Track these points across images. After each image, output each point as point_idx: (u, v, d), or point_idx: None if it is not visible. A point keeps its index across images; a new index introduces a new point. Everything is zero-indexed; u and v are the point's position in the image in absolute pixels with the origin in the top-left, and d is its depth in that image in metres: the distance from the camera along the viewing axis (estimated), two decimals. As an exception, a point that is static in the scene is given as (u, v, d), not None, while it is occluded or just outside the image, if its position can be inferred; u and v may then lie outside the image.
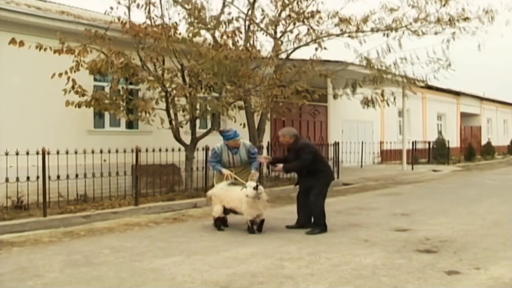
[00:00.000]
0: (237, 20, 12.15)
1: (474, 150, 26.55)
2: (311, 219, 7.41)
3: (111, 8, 10.80)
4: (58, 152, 8.74)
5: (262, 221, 7.22)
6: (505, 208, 9.71)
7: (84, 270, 5.31)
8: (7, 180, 8.43)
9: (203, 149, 10.89)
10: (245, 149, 7.77)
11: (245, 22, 12.57)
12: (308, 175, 7.44)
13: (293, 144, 7.51)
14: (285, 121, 16.89)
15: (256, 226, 7.16)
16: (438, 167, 20.53)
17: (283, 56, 13.14)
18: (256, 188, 6.98)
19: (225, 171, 7.55)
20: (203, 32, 11.50)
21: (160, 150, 10.24)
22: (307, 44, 13.10)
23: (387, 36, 13.34)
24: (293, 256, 5.87)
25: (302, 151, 7.40)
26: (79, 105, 9.77)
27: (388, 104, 14.78)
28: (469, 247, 6.25)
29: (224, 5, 12.39)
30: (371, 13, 13.23)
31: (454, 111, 30.91)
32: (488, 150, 28.84)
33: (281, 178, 13.64)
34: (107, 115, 11.67)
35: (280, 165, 7.61)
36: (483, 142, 31.25)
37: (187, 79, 11.00)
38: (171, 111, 11.00)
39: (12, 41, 8.66)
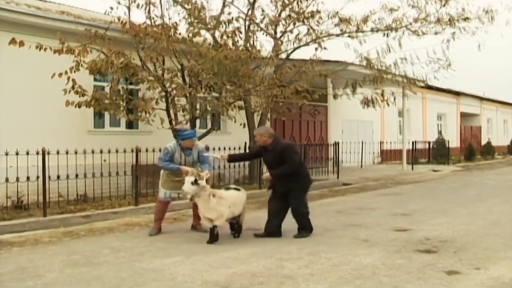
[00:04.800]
0: (237, 20, 12.16)
1: (474, 150, 26.54)
2: (280, 227, 7.06)
3: (111, 8, 10.83)
4: (58, 152, 8.75)
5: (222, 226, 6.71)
6: (505, 208, 9.71)
7: (84, 270, 5.31)
8: (7, 180, 8.43)
9: (203, 149, 10.87)
10: (197, 150, 7.35)
11: (245, 22, 12.58)
12: (286, 178, 6.91)
13: (272, 144, 6.96)
14: (285, 121, 16.91)
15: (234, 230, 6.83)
16: (438, 167, 20.53)
17: (283, 56, 13.14)
18: (194, 182, 6.45)
19: (187, 168, 6.99)
20: (203, 32, 11.50)
21: (160, 150, 10.21)
22: (307, 44, 13.11)
23: (387, 36, 13.36)
24: (293, 256, 5.87)
25: (287, 151, 6.89)
26: (79, 105, 9.76)
27: (388, 104, 14.80)
28: (469, 247, 6.25)
29: (224, 5, 12.40)
30: (371, 13, 13.26)
31: (454, 111, 30.91)
32: (488, 150, 28.82)
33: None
34: (107, 115, 11.67)
35: (267, 174, 7.07)
36: (483, 142, 31.24)
37: (187, 79, 11.00)
38: (171, 111, 11.00)
39: (12, 41, 8.66)
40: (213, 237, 6.61)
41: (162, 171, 7.45)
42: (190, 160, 7.29)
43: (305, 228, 7.05)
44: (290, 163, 6.85)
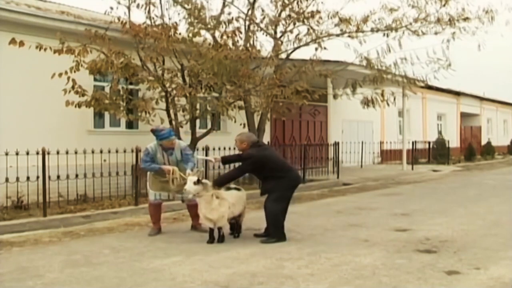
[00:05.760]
0: (237, 20, 12.17)
1: (474, 150, 26.55)
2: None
3: (111, 8, 10.84)
4: (58, 152, 8.75)
5: (220, 228, 6.60)
6: (505, 208, 9.71)
7: (84, 270, 5.31)
8: (7, 180, 8.44)
9: (203, 149, 10.89)
10: (179, 149, 7.22)
11: (245, 22, 12.58)
12: (270, 181, 6.78)
13: (247, 151, 6.85)
14: (285, 121, 16.92)
15: (219, 233, 6.59)
16: (438, 167, 20.53)
17: (283, 56, 13.14)
18: (197, 182, 6.43)
19: (168, 167, 6.99)
20: (203, 32, 11.51)
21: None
22: (307, 44, 13.11)
23: (387, 36, 13.36)
24: (293, 256, 5.87)
25: (245, 160, 6.82)
26: (79, 105, 9.77)
27: (388, 104, 14.80)
28: (469, 247, 6.25)
29: (224, 5, 12.40)
30: (371, 13, 13.26)
31: (454, 111, 30.91)
32: (488, 150, 28.83)
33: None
34: (107, 115, 11.67)
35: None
36: (483, 142, 31.24)
37: (187, 79, 11.00)
38: (171, 111, 11.01)
39: (12, 41, 8.66)
40: (213, 237, 6.60)
41: (148, 172, 7.34)
42: (173, 159, 7.16)
43: (275, 232, 6.69)
44: (236, 168, 6.90)
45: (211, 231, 6.62)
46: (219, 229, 6.61)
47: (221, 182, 6.81)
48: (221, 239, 6.61)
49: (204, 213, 6.57)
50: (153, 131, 7.11)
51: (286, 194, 6.83)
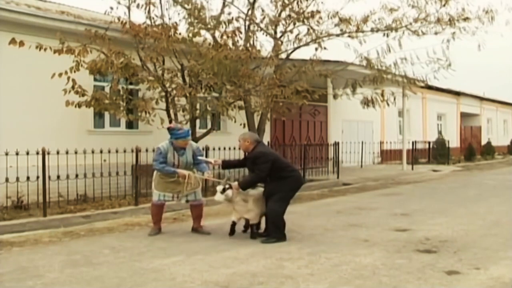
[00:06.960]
0: (237, 20, 12.17)
1: (474, 150, 26.56)
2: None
3: (111, 8, 10.84)
4: (58, 152, 8.76)
5: (249, 225, 6.92)
6: (505, 208, 9.71)
7: (84, 270, 5.31)
8: (7, 180, 8.45)
9: (203, 149, 10.87)
10: (191, 150, 7.16)
11: (245, 22, 12.58)
12: (273, 182, 6.79)
13: (252, 150, 6.86)
14: (285, 121, 16.92)
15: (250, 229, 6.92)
16: (438, 167, 20.54)
17: (283, 56, 13.14)
18: (223, 191, 6.60)
19: (183, 172, 6.89)
20: (203, 32, 11.51)
21: (160, 150, 10.23)
22: (307, 44, 13.11)
23: (387, 36, 13.36)
24: (293, 256, 5.87)
25: (257, 160, 6.70)
26: (79, 105, 9.77)
27: (388, 104, 14.80)
28: (469, 247, 6.25)
29: (224, 5, 12.40)
30: (371, 13, 13.25)
31: (454, 111, 30.91)
32: (488, 150, 28.84)
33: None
34: (107, 115, 11.67)
35: (235, 183, 6.85)
36: (483, 142, 31.25)
37: (187, 79, 11.00)
38: (171, 111, 11.01)
39: (12, 41, 8.66)
40: (233, 230, 6.90)
41: (155, 172, 7.27)
42: (183, 159, 7.09)
43: (275, 232, 6.69)
44: (256, 173, 6.76)
45: (233, 224, 6.89)
46: (256, 225, 6.91)
47: (245, 187, 6.84)
48: (254, 236, 6.81)
49: (242, 214, 6.83)
50: (170, 129, 7.03)
51: (289, 195, 6.89)
